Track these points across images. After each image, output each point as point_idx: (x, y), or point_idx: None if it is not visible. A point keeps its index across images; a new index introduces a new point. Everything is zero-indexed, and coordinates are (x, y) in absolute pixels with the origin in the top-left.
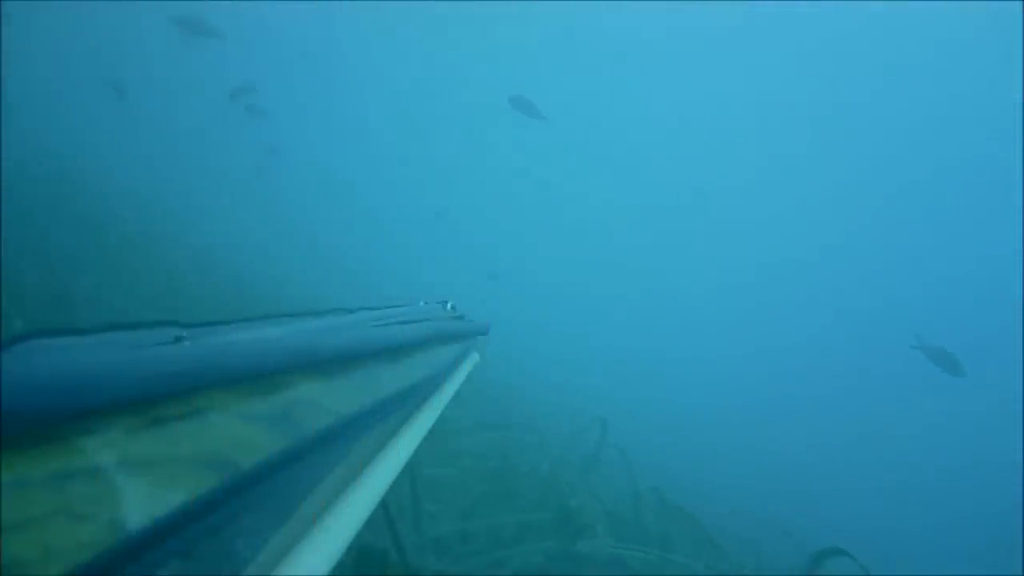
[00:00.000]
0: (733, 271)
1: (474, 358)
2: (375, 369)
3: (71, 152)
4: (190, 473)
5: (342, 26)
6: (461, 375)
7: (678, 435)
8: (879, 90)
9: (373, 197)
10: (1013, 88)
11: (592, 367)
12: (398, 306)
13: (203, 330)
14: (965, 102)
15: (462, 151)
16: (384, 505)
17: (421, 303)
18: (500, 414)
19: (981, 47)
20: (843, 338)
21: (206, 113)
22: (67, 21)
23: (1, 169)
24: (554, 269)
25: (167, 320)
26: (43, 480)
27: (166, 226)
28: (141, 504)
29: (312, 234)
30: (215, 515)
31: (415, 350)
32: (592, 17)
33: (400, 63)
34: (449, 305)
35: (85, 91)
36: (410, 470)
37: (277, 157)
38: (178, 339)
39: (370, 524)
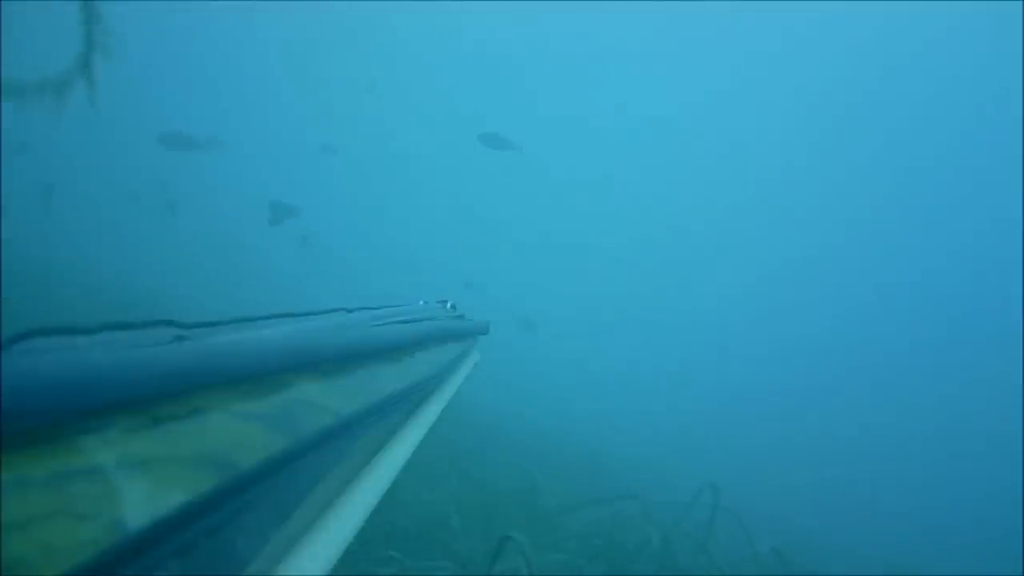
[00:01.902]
0: (738, 275)
1: (474, 357)
2: (375, 369)
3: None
4: (190, 473)
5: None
6: (461, 375)
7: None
8: (879, 90)
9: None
10: (1013, 88)
11: (642, 408)
12: (397, 305)
13: (203, 330)
14: (965, 102)
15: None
16: None
17: (421, 302)
18: (590, 480)
19: (981, 47)
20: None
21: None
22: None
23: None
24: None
25: (167, 320)
26: (43, 480)
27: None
28: (141, 504)
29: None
30: (215, 515)
31: (415, 349)
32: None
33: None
34: (449, 304)
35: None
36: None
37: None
38: (178, 339)
39: None
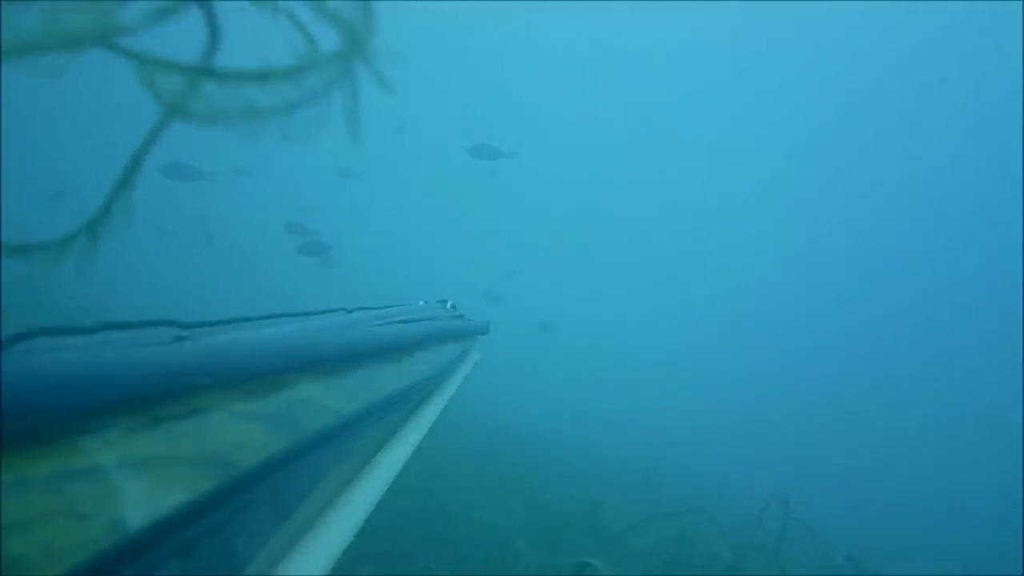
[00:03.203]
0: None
1: (474, 357)
2: (375, 368)
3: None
4: (190, 473)
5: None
6: (461, 374)
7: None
8: (879, 90)
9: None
10: (1013, 88)
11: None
12: (398, 305)
13: (203, 330)
14: (965, 102)
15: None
16: None
17: (421, 302)
18: (653, 495)
19: (981, 47)
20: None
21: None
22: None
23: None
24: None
25: (167, 320)
26: (43, 480)
27: None
28: (141, 504)
29: None
30: (215, 515)
31: (415, 349)
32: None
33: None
34: (449, 304)
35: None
36: None
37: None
38: (178, 339)
39: None
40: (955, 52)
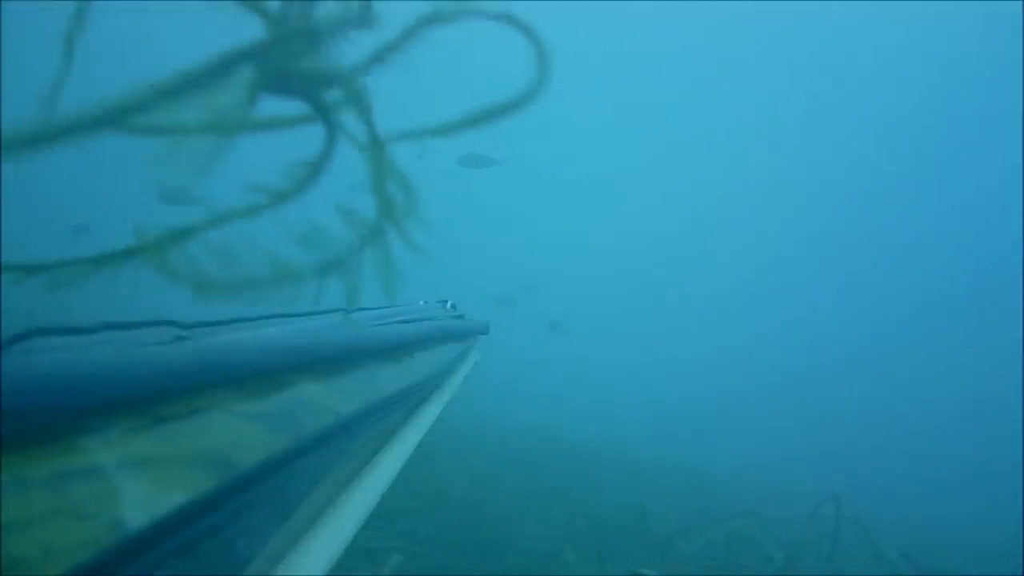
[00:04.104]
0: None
1: (474, 357)
2: (375, 368)
3: None
4: (190, 473)
5: None
6: (461, 374)
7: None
8: (878, 91)
9: None
10: (1013, 88)
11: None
12: (398, 305)
13: (203, 330)
14: (965, 102)
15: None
16: None
17: (421, 302)
18: (698, 497)
19: (981, 47)
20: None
21: None
22: None
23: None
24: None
25: (167, 320)
26: (43, 480)
27: None
28: (141, 504)
29: None
30: (215, 515)
31: (415, 349)
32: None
33: None
34: (449, 304)
35: None
36: None
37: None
38: (178, 339)
39: None
40: (955, 48)
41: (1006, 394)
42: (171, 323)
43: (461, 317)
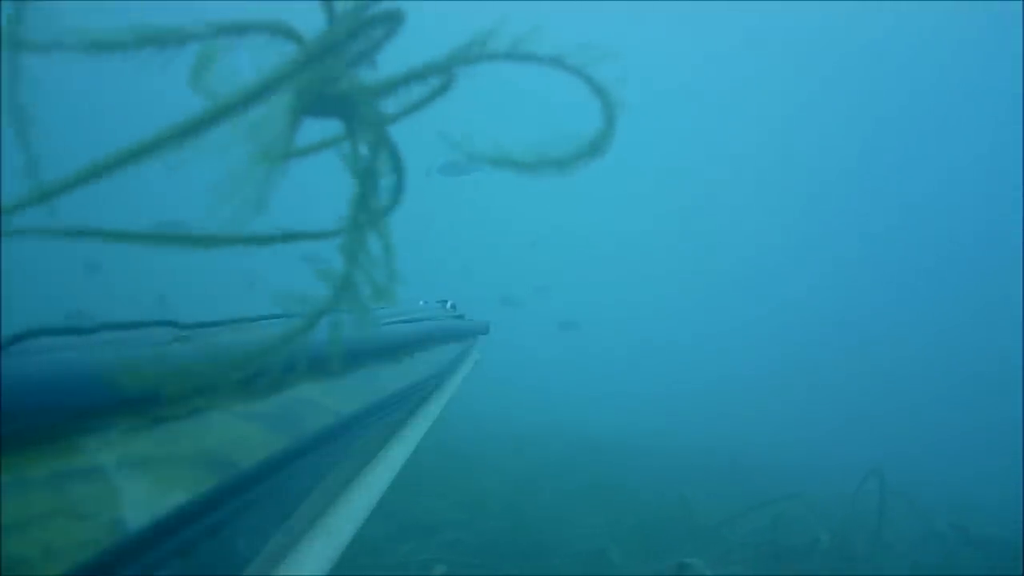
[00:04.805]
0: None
1: (474, 356)
2: (375, 368)
3: None
4: (190, 473)
5: None
6: (461, 374)
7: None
8: (878, 91)
9: None
10: (1014, 88)
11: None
12: (398, 306)
13: (203, 330)
14: (965, 102)
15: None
16: None
17: (421, 302)
18: (737, 483)
19: (981, 47)
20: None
21: None
22: None
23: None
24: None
25: (166, 320)
26: (43, 480)
27: None
28: (141, 504)
29: None
30: (215, 515)
31: (415, 349)
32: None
33: None
34: (449, 304)
35: None
36: None
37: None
38: (178, 339)
39: None
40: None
41: None
42: (171, 323)
43: (461, 317)
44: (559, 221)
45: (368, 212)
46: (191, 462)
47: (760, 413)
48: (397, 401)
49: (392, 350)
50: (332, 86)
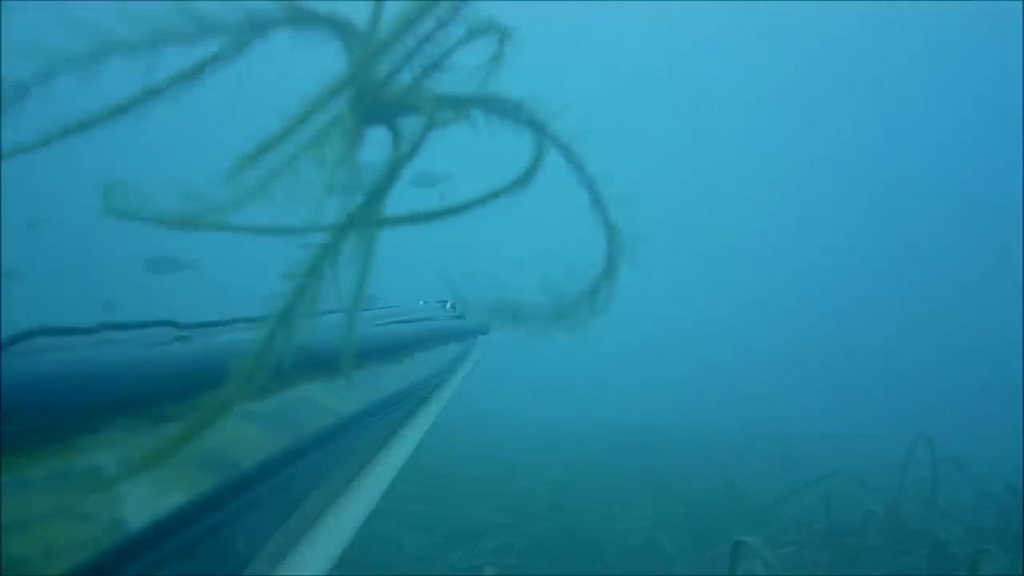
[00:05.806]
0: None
1: (474, 356)
2: (375, 368)
3: None
4: (190, 473)
5: None
6: (461, 374)
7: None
8: (878, 90)
9: None
10: (1013, 88)
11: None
12: (397, 305)
13: (203, 330)
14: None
15: None
16: None
17: (421, 302)
18: (784, 463)
19: (981, 47)
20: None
21: None
22: None
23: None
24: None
25: (167, 320)
26: (43, 480)
27: None
28: (141, 504)
29: None
30: (215, 515)
31: (415, 349)
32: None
33: None
34: (449, 304)
35: None
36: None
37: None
38: (178, 339)
39: None
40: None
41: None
42: (171, 323)
43: (461, 317)
44: (556, 209)
45: (369, 218)
46: (191, 462)
47: (790, 391)
48: (397, 401)
49: (392, 350)
50: (388, 92)
